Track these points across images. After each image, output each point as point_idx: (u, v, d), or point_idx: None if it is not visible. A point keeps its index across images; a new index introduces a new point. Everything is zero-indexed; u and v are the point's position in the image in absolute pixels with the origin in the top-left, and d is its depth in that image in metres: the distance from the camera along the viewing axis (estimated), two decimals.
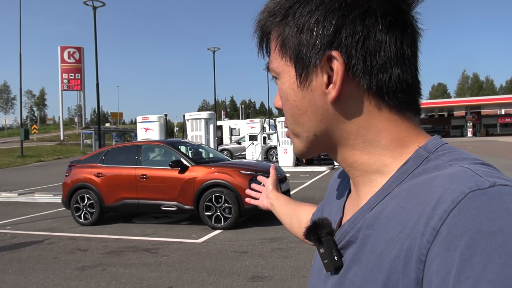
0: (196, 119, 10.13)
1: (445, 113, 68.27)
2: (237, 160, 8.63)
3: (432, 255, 0.43)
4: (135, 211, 7.55)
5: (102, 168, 7.59)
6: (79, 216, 7.65)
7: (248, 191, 1.29)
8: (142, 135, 10.50)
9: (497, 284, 0.38)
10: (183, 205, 6.94)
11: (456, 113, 66.14)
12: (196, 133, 10.09)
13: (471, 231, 0.41)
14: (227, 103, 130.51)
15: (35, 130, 45.01)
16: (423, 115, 67.51)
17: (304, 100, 0.58)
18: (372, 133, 0.57)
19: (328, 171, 15.58)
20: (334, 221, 0.66)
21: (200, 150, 7.95)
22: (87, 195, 7.58)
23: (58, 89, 45.43)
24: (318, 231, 0.60)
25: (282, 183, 7.23)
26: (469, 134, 55.07)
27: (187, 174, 6.92)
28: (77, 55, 43.31)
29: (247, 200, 1.30)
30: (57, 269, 5.04)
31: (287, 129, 0.65)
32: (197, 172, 6.90)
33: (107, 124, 55.86)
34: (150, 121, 10.33)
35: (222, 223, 6.70)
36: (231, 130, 30.73)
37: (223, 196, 6.69)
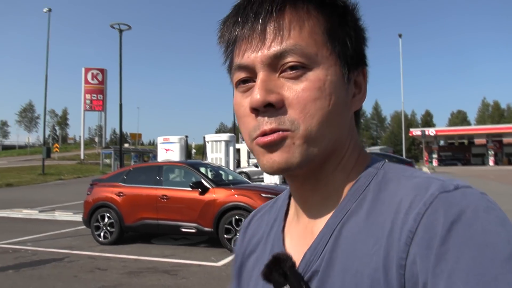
0: (216, 141, 10.19)
1: (465, 141, 67.10)
2: (256, 183, 8.59)
3: (411, 256, 0.45)
4: (155, 231, 7.54)
5: (123, 188, 7.65)
6: (99, 235, 7.68)
7: None
8: (162, 156, 10.60)
9: (470, 273, 0.41)
10: (202, 227, 6.90)
11: (477, 141, 64.86)
12: (216, 155, 10.13)
13: (444, 228, 0.44)
14: None
15: (56, 149, 46.03)
16: (443, 142, 66.57)
17: (342, 101, 0.55)
18: (351, 149, 0.59)
19: None
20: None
21: (220, 172, 7.96)
22: (108, 214, 7.62)
23: (80, 109, 46.66)
24: (282, 265, 0.54)
25: None
26: (491, 163, 53.84)
27: (208, 196, 6.92)
28: (100, 76, 44.58)
29: None
30: None
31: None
32: (218, 194, 6.89)
33: (126, 145, 56.63)
34: (170, 142, 10.45)
35: None
36: (249, 153, 30.84)
37: (243, 219, 6.63)
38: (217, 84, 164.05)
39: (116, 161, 38.02)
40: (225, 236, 6.72)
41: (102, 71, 45.19)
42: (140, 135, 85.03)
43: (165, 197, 7.19)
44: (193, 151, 51.73)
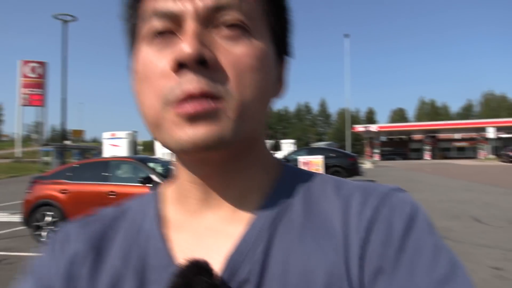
0: None
1: (405, 137, 71.03)
2: None
3: (370, 247, 0.45)
4: None
5: (67, 185, 7.32)
6: (39, 235, 7.30)
7: None
8: (109, 152, 10.23)
9: (429, 263, 0.44)
10: None
11: (415, 136, 68.97)
12: (166, 150, 9.92)
13: (401, 217, 0.47)
14: None
15: None
16: (384, 138, 70.01)
17: (272, 83, 0.49)
18: (264, 142, 0.54)
19: None
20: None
21: (170, 166, 7.83)
22: (50, 212, 7.26)
23: (15, 104, 43.65)
24: (205, 275, 0.42)
25: None
26: (427, 157, 57.44)
27: None
28: (41, 69, 41.94)
29: None
30: None
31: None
32: None
33: (67, 141, 53.84)
34: (118, 138, 10.10)
35: None
36: None
37: None
38: None
39: (56, 159, 36.14)
40: None
41: (43, 64, 42.54)
42: (82, 131, 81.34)
43: (112, 193, 6.97)
44: (139, 147, 50.40)
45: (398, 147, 68.63)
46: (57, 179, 7.48)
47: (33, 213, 7.38)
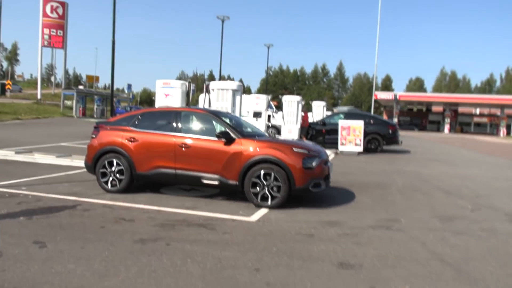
0: (223, 89, 9.56)
1: (423, 108, 69.72)
2: (280, 136, 8.20)
3: None
4: (171, 181, 7.05)
5: (135, 133, 7.00)
6: (106, 182, 7.08)
7: None
8: (161, 101, 9.85)
9: None
10: (226, 180, 6.50)
11: (434, 108, 67.63)
12: (222, 103, 9.55)
13: None
14: (206, 77, 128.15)
15: (9, 86, 42.66)
16: (402, 107, 68.82)
17: None
18: None
19: (333, 155, 15.39)
20: None
21: (241, 122, 7.46)
22: (117, 160, 7.00)
23: (34, 45, 42.84)
24: None
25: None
26: (446, 130, 56.55)
27: (234, 147, 6.47)
28: (61, 10, 40.68)
29: None
30: (113, 241, 4.55)
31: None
32: (245, 146, 6.46)
33: (80, 87, 53.69)
34: (171, 87, 9.68)
35: (269, 202, 6.33)
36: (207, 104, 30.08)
37: (272, 173, 6.29)
38: (178, 30, 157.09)
39: (78, 103, 36.03)
40: (251, 190, 6.38)
41: (63, 4, 41.19)
42: (97, 77, 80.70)
43: (185, 145, 6.65)
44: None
45: (416, 117, 67.51)
46: (124, 125, 7.15)
47: (98, 159, 7.13)
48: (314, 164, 6.43)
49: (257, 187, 6.37)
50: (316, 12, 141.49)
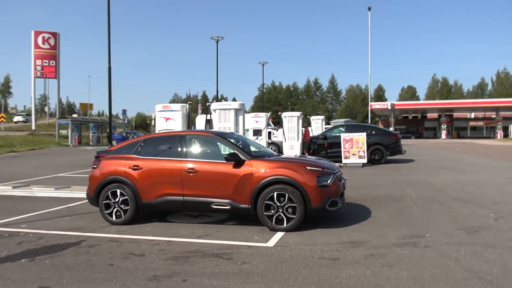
0: (225, 109, 9.30)
1: (419, 115, 69.92)
2: (291, 155, 7.91)
3: None
4: (179, 209, 6.71)
5: (139, 160, 6.69)
6: (110, 214, 6.73)
7: None
8: (161, 126, 9.57)
9: None
10: (238, 204, 6.17)
11: (429, 115, 67.87)
12: (224, 124, 9.28)
13: None
14: (199, 97, 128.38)
15: (2, 119, 42.32)
16: (397, 116, 69.00)
17: None
18: None
19: None
20: None
21: (247, 142, 7.17)
22: (121, 190, 6.67)
23: (24, 76, 42.65)
24: None
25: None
26: (443, 136, 56.55)
27: (244, 169, 6.16)
28: (52, 41, 40.69)
29: None
30: (125, 280, 4.19)
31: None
32: (256, 167, 6.15)
33: (74, 115, 53.36)
34: (171, 110, 9.42)
35: (285, 224, 6.00)
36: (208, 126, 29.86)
37: (286, 194, 5.98)
38: (169, 53, 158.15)
39: (73, 132, 35.66)
40: (265, 213, 6.05)
41: (55, 35, 41.23)
42: (91, 105, 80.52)
43: (192, 170, 6.34)
44: (152, 121, 49.67)
45: (412, 125, 67.61)
46: (126, 153, 6.84)
47: (101, 190, 6.79)
48: (329, 181, 6.13)
49: (271, 210, 6.05)
50: (305, 27, 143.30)
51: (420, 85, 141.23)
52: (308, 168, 6.14)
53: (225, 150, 6.60)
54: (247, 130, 16.86)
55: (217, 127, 9.45)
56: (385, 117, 68.11)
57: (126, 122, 51.40)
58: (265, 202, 6.04)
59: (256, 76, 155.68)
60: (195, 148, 6.66)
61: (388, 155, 16.65)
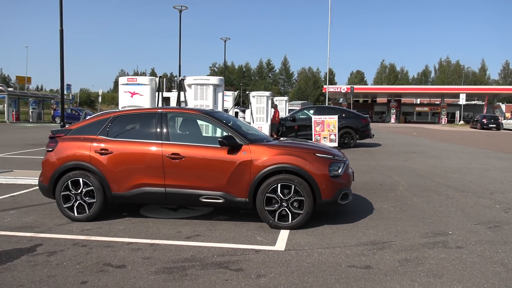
0: (202, 84, 8.07)
1: (369, 99, 71.63)
2: (293, 139, 6.93)
3: None
4: (159, 202, 5.56)
5: (108, 142, 5.43)
6: (70, 208, 5.45)
7: None
8: (125, 102, 8.19)
9: None
10: (233, 197, 5.16)
11: (379, 99, 69.70)
12: (201, 102, 8.08)
13: None
14: (147, 75, 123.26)
15: None
16: (350, 100, 70.18)
17: None
18: None
19: None
20: None
21: (239, 124, 6.09)
22: (84, 179, 5.40)
23: None
24: None
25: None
26: (392, 120, 58.29)
27: (241, 156, 5.13)
28: None
29: None
30: None
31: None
32: (255, 154, 5.14)
33: (10, 89, 48.73)
34: (138, 84, 8.03)
35: (290, 221, 5.09)
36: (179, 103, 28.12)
37: (292, 186, 5.05)
38: (115, 27, 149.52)
39: (10, 107, 32.23)
40: (266, 208, 5.10)
41: None
42: (29, 78, 74.38)
43: (176, 156, 5.21)
44: (99, 98, 46.43)
45: (362, 109, 69.09)
46: (91, 134, 5.54)
47: (59, 179, 5.47)
48: (340, 171, 5.28)
49: (273, 204, 5.11)
50: (259, 7, 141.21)
51: (368, 70, 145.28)
52: (317, 155, 5.22)
53: (214, 132, 5.52)
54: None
55: (192, 105, 8.24)
56: (335, 100, 69.18)
57: (71, 98, 47.69)
58: (267, 195, 5.08)
59: (207, 55, 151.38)
60: (180, 129, 5.51)
61: (358, 138, 16.23)
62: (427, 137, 25.11)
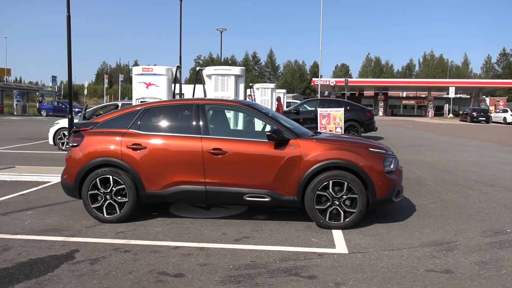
0: (224, 75, 7.62)
1: (356, 92, 71.86)
2: (341, 134, 6.56)
3: None
4: (199, 201, 5.14)
5: (141, 137, 4.98)
6: (99, 209, 4.99)
7: None
8: (141, 93, 7.68)
9: None
10: (280, 195, 4.79)
11: (366, 93, 70.00)
12: (222, 93, 7.65)
13: None
14: (130, 67, 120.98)
15: None
16: (337, 93, 70.30)
17: None
18: None
19: None
20: None
21: (279, 118, 5.67)
22: (115, 177, 4.94)
23: None
24: None
25: None
26: (380, 113, 58.62)
27: (290, 151, 4.76)
28: None
29: None
30: None
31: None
32: (305, 149, 4.77)
33: None
34: (154, 74, 7.53)
35: (342, 221, 4.75)
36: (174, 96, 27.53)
37: (345, 183, 4.71)
38: (96, 18, 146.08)
39: None
40: (316, 206, 4.75)
41: None
42: (9, 70, 72.05)
43: (218, 151, 4.80)
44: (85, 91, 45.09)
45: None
46: (121, 128, 5.08)
47: (85, 177, 5.00)
48: (392, 166, 4.96)
49: (324, 202, 4.76)
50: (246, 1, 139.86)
51: (353, 63, 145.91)
52: (371, 150, 4.89)
53: (258, 125, 5.12)
54: None
55: (212, 96, 7.80)
56: (322, 94, 69.15)
57: (56, 90, 46.25)
58: (317, 192, 4.73)
59: (191, 48, 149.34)
60: (220, 122, 5.10)
61: (362, 132, 16.02)
62: (423, 130, 25.16)
